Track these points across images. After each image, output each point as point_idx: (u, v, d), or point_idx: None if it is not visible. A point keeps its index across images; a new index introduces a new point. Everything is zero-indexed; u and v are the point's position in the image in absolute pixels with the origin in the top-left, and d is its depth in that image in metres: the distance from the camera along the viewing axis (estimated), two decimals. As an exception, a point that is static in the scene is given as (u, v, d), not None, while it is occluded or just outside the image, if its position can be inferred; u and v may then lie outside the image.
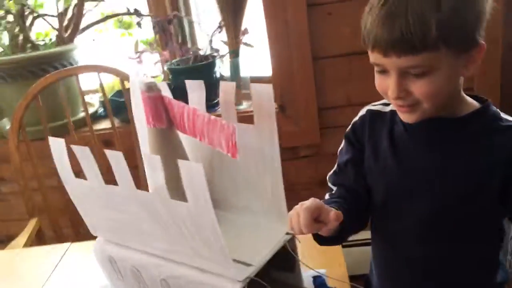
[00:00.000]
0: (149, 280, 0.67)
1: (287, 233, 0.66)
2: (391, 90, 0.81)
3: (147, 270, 0.66)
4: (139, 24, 2.07)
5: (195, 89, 0.69)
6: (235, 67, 1.92)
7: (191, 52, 2.06)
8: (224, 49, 1.96)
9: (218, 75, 1.97)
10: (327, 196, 1.02)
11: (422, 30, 0.74)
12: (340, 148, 1.04)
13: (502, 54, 1.78)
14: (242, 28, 1.91)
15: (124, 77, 1.81)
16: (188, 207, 0.55)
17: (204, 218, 0.55)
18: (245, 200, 0.70)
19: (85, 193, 0.66)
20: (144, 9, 2.11)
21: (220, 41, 1.96)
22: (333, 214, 0.74)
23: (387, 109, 0.99)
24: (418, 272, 0.93)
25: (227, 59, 1.94)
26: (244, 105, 1.90)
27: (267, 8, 1.86)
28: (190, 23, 2.13)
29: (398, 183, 0.92)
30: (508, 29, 1.78)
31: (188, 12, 2.11)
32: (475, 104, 0.89)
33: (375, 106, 1.01)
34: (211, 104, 1.97)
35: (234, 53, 1.90)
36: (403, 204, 0.91)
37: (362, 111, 1.02)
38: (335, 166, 1.03)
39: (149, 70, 2.06)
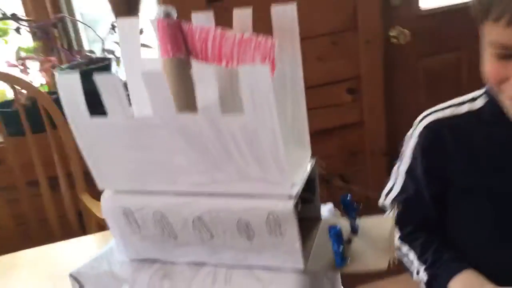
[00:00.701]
0: (177, 223, 0.62)
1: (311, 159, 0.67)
2: None
3: (175, 212, 0.62)
4: (18, 30, 1.92)
5: (203, 21, 0.67)
6: (133, 68, 1.86)
7: (77, 56, 1.96)
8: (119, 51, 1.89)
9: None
10: (400, 233, 0.93)
11: None
12: (406, 166, 0.91)
13: (383, 52, 1.98)
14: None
15: (15, 82, 1.66)
16: (245, 119, 0.53)
17: (263, 129, 0.53)
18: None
19: (102, 134, 0.60)
20: (20, 13, 1.96)
21: (114, 42, 1.89)
22: None
23: (463, 109, 0.86)
24: None
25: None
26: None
27: (164, 6, 1.84)
28: (75, 26, 2.03)
29: None
30: (385, 28, 1.98)
31: (71, 15, 2.01)
32: None
33: (444, 111, 0.88)
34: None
35: (132, 53, 1.84)
36: None
37: (424, 123, 0.89)
38: (408, 191, 0.91)
39: (34, 78, 1.91)
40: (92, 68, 1.80)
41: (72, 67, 1.84)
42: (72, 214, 1.72)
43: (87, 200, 1.62)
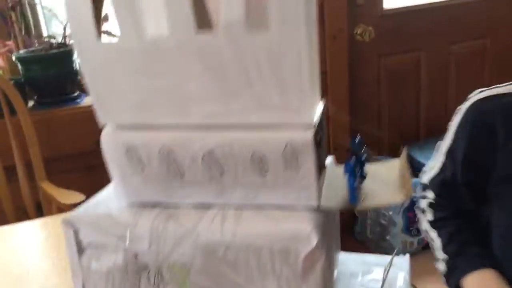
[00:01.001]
0: (186, 159, 0.59)
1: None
2: None
3: (184, 147, 0.59)
4: (-27, 13, 1.83)
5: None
6: (97, 55, 1.80)
7: (36, 41, 1.89)
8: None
9: (77, 66, 1.83)
10: (431, 217, 0.89)
11: None
12: (447, 145, 0.84)
13: (348, 49, 2.01)
14: (103, 13, 1.82)
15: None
16: (271, 35, 0.51)
17: (290, 45, 0.51)
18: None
19: (110, 59, 0.56)
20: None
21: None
22: None
23: None
24: None
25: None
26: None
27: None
28: (34, 12, 1.96)
29: None
30: (350, 25, 2.02)
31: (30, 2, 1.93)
32: None
33: (501, 87, 0.79)
34: (71, 97, 1.82)
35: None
36: None
37: (475, 98, 0.80)
38: (446, 173, 0.85)
39: (-9, 63, 1.81)
40: (52, 54, 1.73)
41: (31, 52, 1.77)
42: (30, 205, 1.63)
43: (47, 187, 1.53)
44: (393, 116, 2.21)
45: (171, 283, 0.62)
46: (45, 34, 1.95)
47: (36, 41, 1.86)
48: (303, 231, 0.57)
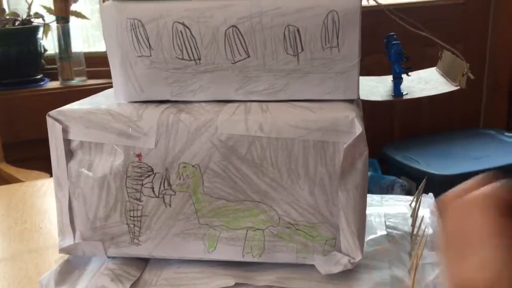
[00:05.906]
0: (204, 36, 0.49)
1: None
2: None
3: (204, 20, 0.49)
4: None
5: None
6: (65, 36, 1.68)
7: (6, 17, 1.76)
8: (49, 18, 1.71)
9: (41, 48, 1.70)
10: None
11: None
12: None
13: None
14: (72, -8, 1.71)
15: None
16: None
17: None
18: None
19: None
20: None
21: (41, 5, 1.71)
22: None
23: None
24: None
25: (54, 32, 1.68)
26: (76, 80, 1.66)
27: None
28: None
29: None
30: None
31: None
32: None
33: None
34: (33, 79, 1.69)
35: (64, 20, 1.67)
36: None
37: None
38: None
39: None
40: (14, 30, 1.61)
41: (-8, 28, 1.64)
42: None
43: (6, 168, 1.39)
44: (367, 116, 2.16)
45: (180, 190, 0.51)
46: (7, 10, 1.81)
47: (5, 16, 1.72)
48: (345, 119, 0.48)
